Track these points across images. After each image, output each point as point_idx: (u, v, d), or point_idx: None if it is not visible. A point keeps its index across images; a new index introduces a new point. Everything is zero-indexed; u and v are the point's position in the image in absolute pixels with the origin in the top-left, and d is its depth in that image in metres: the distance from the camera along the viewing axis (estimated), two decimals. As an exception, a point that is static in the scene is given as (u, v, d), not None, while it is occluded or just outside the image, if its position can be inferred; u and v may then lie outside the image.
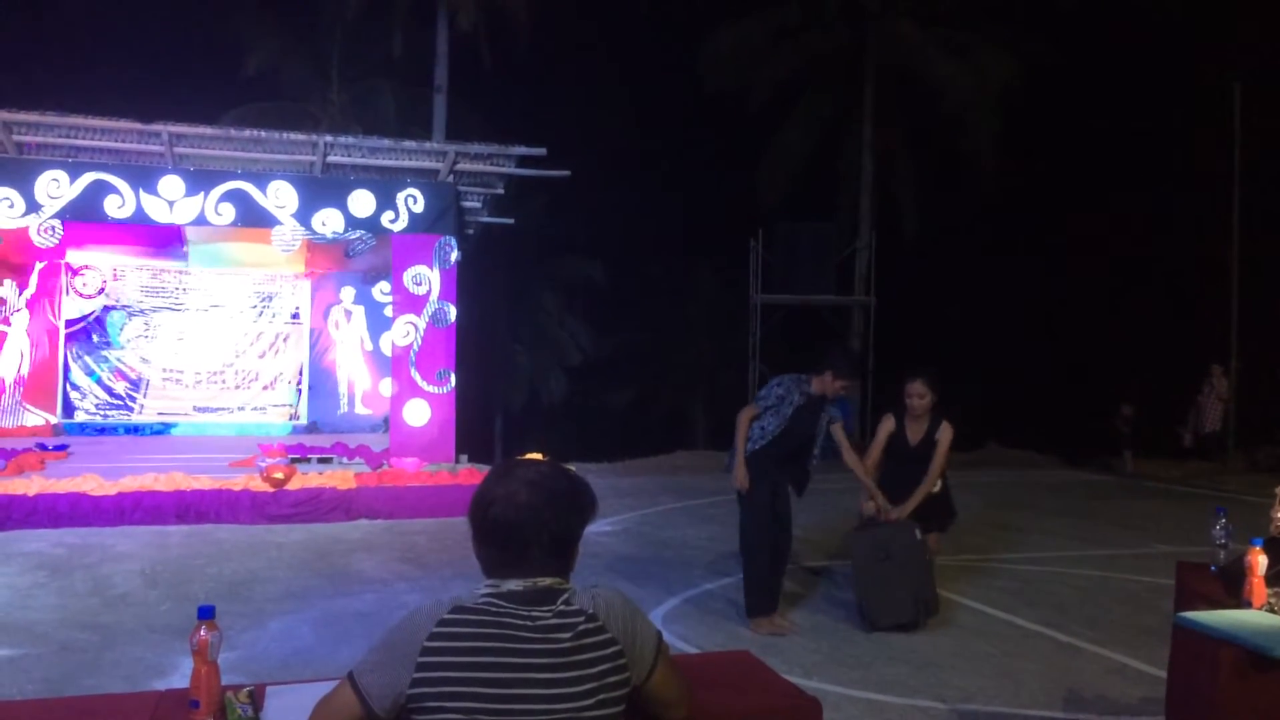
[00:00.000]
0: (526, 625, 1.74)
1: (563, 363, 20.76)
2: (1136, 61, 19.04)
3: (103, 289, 13.78)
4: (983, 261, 20.18)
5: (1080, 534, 9.14)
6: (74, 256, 13.42)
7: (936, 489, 5.88)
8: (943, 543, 6.32)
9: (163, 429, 13.73)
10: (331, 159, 10.95)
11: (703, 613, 6.04)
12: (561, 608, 1.78)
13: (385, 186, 10.93)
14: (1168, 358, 17.42)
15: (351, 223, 10.75)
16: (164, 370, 13.98)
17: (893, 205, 19.00)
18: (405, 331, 11.01)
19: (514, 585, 1.79)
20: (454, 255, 11.12)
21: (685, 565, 7.39)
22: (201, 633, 1.98)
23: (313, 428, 14.19)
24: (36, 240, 10.11)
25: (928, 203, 18.88)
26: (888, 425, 6.00)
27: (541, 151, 11.27)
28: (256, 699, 2.06)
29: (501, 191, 12.10)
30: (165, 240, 12.76)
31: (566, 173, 11.83)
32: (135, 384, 13.86)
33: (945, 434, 5.82)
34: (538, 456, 2.53)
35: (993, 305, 20.37)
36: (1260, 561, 3.28)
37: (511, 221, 13.00)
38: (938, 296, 20.30)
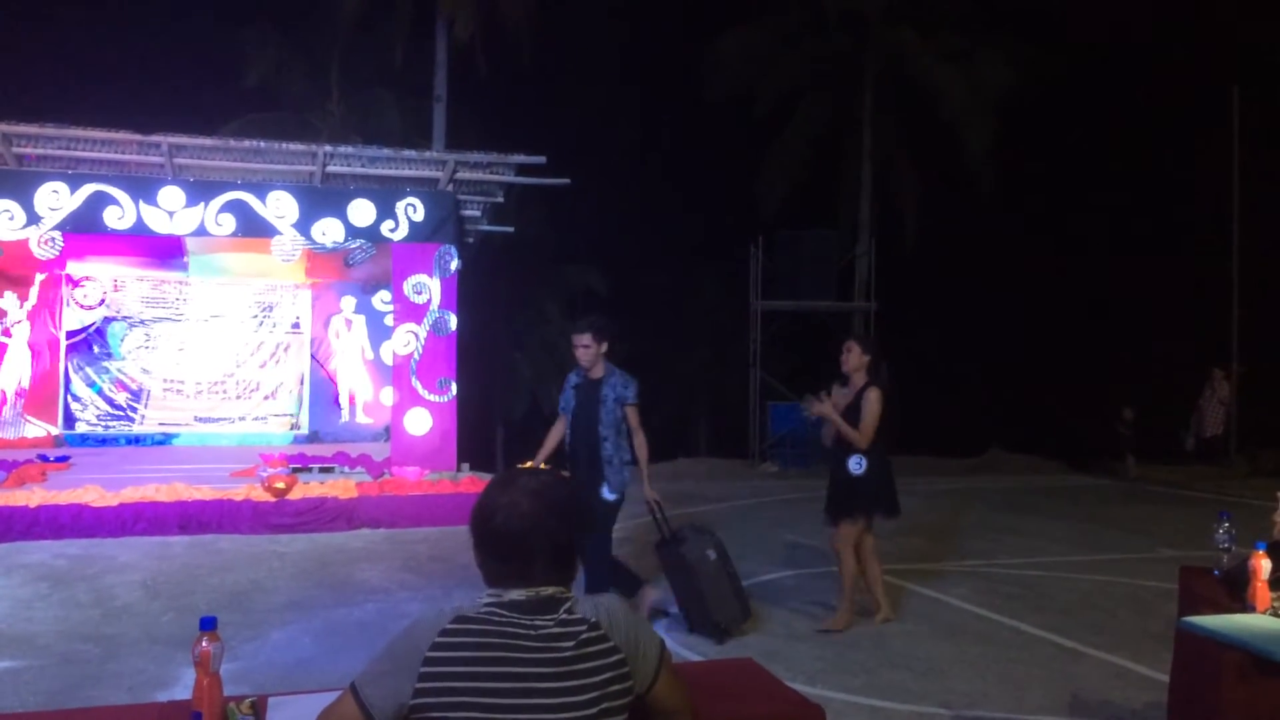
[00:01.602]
0: (529, 634, 1.73)
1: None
2: (1135, 64, 19.07)
3: (103, 300, 13.79)
4: (983, 266, 20.18)
5: (1083, 538, 9.12)
6: (74, 268, 13.42)
7: (860, 470, 5.67)
8: (877, 535, 5.94)
9: (164, 439, 13.73)
10: (331, 169, 10.96)
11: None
12: (564, 616, 1.77)
13: (385, 196, 10.95)
14: (1169, 361, 17.41)
15: (351, 232, 10.76)
16: (165, 381, 13.98)
17: (893, 211, 19.02)
18: (406, 340, 11.01)
19: (516, 595, 1.79)
20: (454, 264, 11.13)
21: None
22: (203, 644, 1.98)
23: (314, 437, 14.18)
24: (37, 252, 10.11)
25: (928, 208, 18.89)
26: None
27: (541, 160, 11.30)
28: (259, 710, 2.06)
29: (501, 200, 12.11)
30: (165, 251, 12.77)
31: (566, 180, 11.84)
32: (136, 395, 13.86)
33: (869, 397, 5.62)
34: (540, 465, 2.53)
35: (994, 310, 20.36)
36: (1264, 565, 3.28)
37: (512, 230, 13.01)
38: (939, 301, 20.29)
